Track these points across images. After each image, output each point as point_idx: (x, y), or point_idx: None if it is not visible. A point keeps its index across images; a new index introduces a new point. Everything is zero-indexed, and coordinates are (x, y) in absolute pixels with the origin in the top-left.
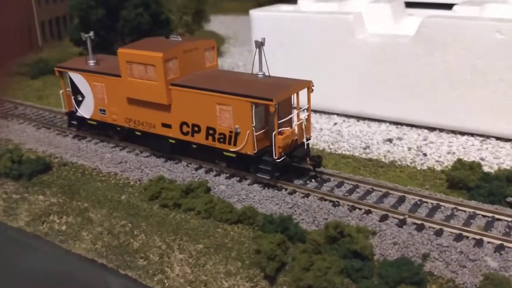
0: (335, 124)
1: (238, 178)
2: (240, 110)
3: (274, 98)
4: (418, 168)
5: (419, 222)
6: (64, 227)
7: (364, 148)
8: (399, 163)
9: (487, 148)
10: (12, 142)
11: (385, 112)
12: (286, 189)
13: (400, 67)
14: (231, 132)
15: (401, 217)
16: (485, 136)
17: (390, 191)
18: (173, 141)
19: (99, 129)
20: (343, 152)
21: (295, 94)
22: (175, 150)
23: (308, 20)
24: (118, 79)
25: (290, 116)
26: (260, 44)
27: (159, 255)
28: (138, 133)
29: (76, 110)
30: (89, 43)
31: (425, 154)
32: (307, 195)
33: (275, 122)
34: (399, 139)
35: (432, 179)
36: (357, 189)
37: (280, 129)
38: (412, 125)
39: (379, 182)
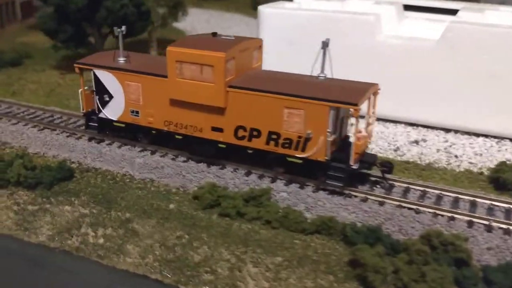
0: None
1: (299, 185)
2: (314, 115)
3: (358, 102)
4: (457, 170)
5: (504, 226)
6: (101, 241)
7: (395, 150)
8: (436, 165)
9: (506, 149)
10: (9, 145)
11: (402, 113)
12: (356, 196)
13: (422, 70)
14: (299, 137)
15: (486, 222)
16: (499, 138)
17: (460, 196)
18: (223, 146)
19: (127, 132)
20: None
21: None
22: (219, 155)
23: (327, 19)
24: (161, 79)
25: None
26: (325, 45)
27: (229, 268)
28: (179, 137)
29: (99, 111)
30: (121, 38)
31: (456, 156)
32: (382, 203)
33: (356, 127)
34: (423, 140)
35: (476, 181)
36: (427, 194)
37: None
38: (428, 127)
39: (443, 187)
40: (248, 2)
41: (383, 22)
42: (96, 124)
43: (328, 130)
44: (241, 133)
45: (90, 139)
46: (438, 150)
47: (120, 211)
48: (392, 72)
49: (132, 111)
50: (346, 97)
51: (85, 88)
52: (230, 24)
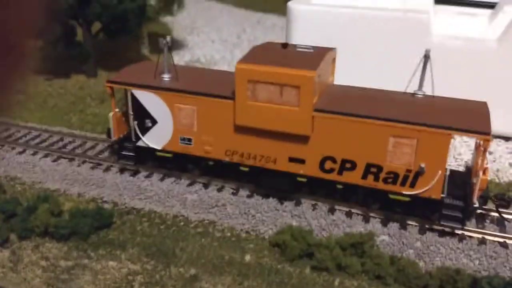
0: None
1: (398, 225)
2: (430, 145)
3: (490, 131)
4: None
5: None
6: None
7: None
8: None
9: None
10: (20, 180)
11: None
12: (470, 237)
13: (483, 73)
14: (408, 171)
15: None
16: None
17: None
18: (303, 180)
19: (173, 164)
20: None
21: None
22: (297, 189)
23: (374, 19)
24: (225, 102)
25: None
26: (427, 57)
27: None
28: (244, 169)
29: (137, 139)
30: (166, 50)
31: None
32: (504, 244)
33: (483, 159)
34: (489, 153)
35: None
36: None
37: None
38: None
39: None
40: None
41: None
42: (133, 154)
43: (448, 163)
44: (329, 165)
45: (122, 171)
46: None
47: (181, 267)
48: (448, 76)
49: (183, 139)
50: (473, 124)
51: (117, 110)
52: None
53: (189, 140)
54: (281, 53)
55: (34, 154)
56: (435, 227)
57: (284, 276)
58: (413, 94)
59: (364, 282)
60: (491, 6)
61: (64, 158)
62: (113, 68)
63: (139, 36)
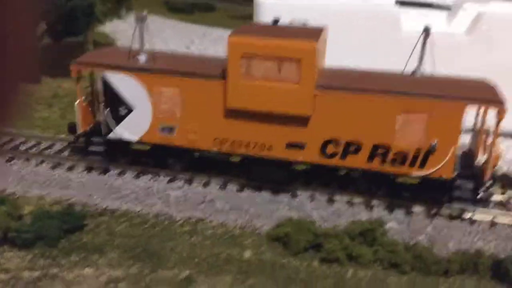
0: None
1: (404, 211)
2: (442, 119)
3: (504, 101)
4: None
5: None
6: None
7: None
8: None
9: None
10: None
11: None
12: (479, 220)
13: (454, 65)
14: (418, 150)
15: None
16: None
17: None
18: (303, 167)
19: (152, 158)
20: None
21: None
22: (292, 180)
23: (343, 12)
24: (215, 82)
25: None
26: (427, 33)
27: None
28: (235, 159)
29: (108, 131)
30: (142, 26)
31: None
32: None
33: (496, 134)
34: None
35: None
36: None
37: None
38: None
39: None
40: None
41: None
42: (102, 149)
43: (460, 137)
44: (331, 149)
45: (89, 169)
46: None
47: (172, 269)
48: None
49: (164, 128)
50: (486, 95)
51: (83, 98)
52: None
53: (171, 128)
54: (275, 28)
55: None
56: (442, 211)
57: (290, 271)
58: (413, 73)
59: (379, 271)
60: (447, 8)
61: (17, 159)
62: (58, 74)
63: (86, 40)
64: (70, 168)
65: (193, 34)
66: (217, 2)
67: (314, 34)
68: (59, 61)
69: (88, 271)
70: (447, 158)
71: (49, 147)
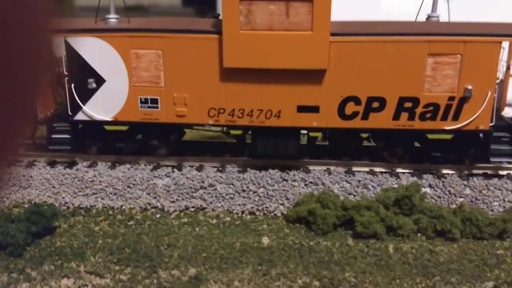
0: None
1: (433, 176)
2: (477, 60)
3: None
4: None
5: None
6: None
7: None
8: None
9: None
10: None
11: None
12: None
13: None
14: (451, 99)
15: None
16: None
17: None
18: (317, 135)
19: (130, 141)
20: None
21: None
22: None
23: None
24: (207, 37)
25: None
26: None
27: None
28: (236, 133)
29: (75, 111)
30: None
31: None
32: None
33: None
34: None
35: None
36: None
37: None
38: None
39: None
40: None
41: None
42: (69, 135)
43: (497, 80)
44: (350, 108)
45: (52, 164)
46: None
47: (174, 268)
48: None
49: (145, 101)
50: None
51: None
52: None
53: (155, 101)
54: None
55: None
56: (475, 170)
57: (322, 254)
58: (428, 18)
59: (425, 242)
60: None
61: None
62: None
63: None
64: (30, 165)
65: None
66: None
67: None
68: None
69: (67, 282)
70: (483, 105)
71: None
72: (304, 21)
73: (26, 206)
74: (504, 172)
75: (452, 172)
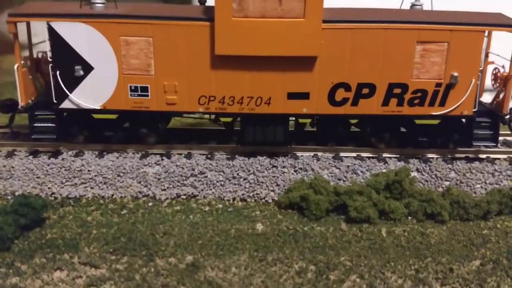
0: None
1: (419, 160)
2: (462, 48)
3: None
4: None
5: None
6: None
7: None
8: None
9: None
10: None
11: None
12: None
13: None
14: (438, 85)
15: None
16: None
17: None
18: (306, 121)
19: (118, 130)
20: None
21: None
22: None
23: None
24: (199, 25)
25: None
26: None
27: None
28: (226, 120)
29: (60, 99)
30: None
31: None
32: None
33: None
34: None
35: None
36: None
37: None
38: None
39: None
40: None
41: None
42: (54, 124)
43: (481, 67)
44: (340, 94)
45: (34, 153)
46: None
47: (172, 256)
48: None
49: (135, 89)
50: (505, 20)
51: (22, 62)
52: None
53: (145, 89)
54: None
55: None
56: (458, 154)
57: (317, 239)
58: (412, 6)
59: (416, 225)
60: None
61: None
62: None
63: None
64: (10, 155)
65: None
66: None
67: None
68: None
69: (60, 274)
70: (468, 91)
71: None
72: (297, 8)
73: (9, 198)
74: (484, 156)
75: (437, 156)
